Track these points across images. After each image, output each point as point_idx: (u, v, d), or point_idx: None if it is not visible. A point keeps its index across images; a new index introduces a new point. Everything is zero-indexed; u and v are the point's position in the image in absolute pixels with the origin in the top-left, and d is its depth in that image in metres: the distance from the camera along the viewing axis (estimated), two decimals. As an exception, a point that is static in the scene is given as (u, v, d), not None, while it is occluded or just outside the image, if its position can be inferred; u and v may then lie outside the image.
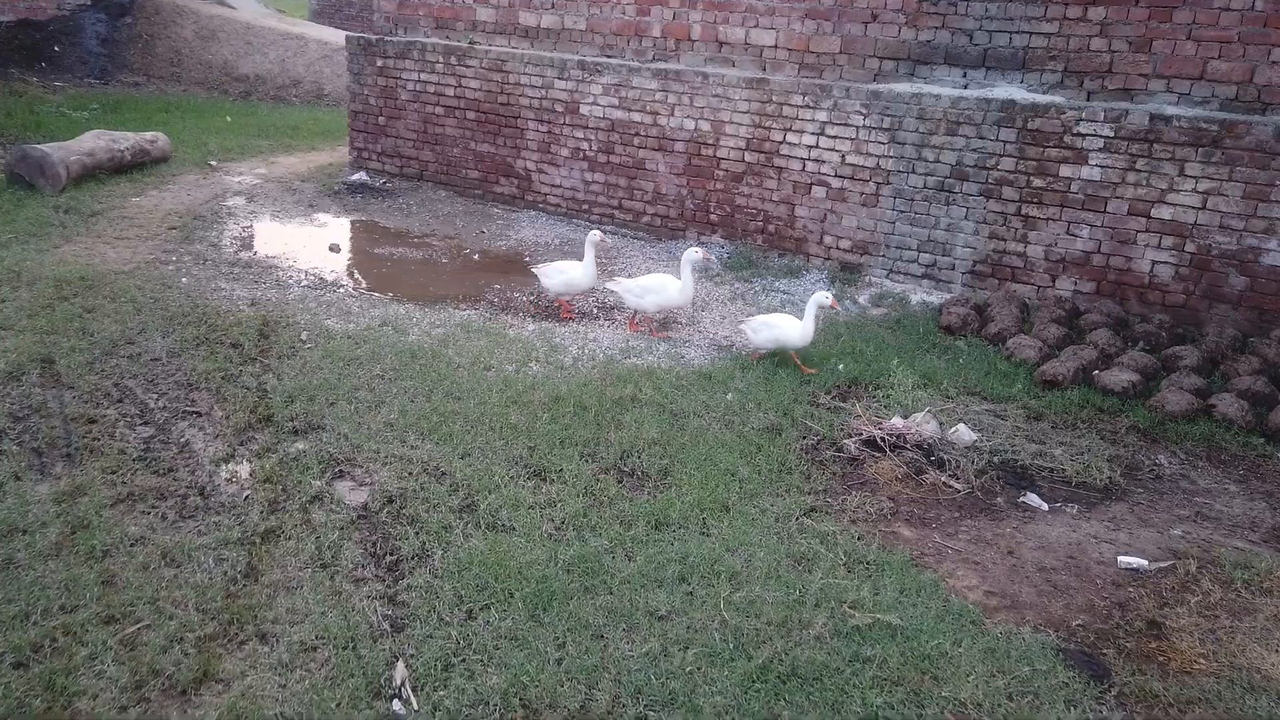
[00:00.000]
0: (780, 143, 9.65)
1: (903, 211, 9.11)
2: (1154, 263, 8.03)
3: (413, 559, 4.50)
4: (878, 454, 5.85)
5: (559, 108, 11.06)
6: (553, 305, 8.29)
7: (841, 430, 6.09)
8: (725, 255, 9.97)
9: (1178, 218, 7.85)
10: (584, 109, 10.87)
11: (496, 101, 11.50)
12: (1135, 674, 3.86)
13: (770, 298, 8.87)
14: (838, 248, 9.56)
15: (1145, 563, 4.70)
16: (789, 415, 6.23)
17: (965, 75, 8.78)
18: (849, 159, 9.29)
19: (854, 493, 5.39)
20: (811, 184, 9.56)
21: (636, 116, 10.51)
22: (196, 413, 5.86)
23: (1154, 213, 7.94)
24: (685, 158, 10.29)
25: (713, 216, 10.27)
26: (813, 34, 9.46)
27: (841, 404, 6.53)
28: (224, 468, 5.23)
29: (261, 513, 4.80)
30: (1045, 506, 5.40)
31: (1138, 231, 8.04)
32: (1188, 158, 7.71)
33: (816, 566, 4.53)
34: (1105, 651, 4.02)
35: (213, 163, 12.51)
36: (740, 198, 10.03)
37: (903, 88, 8.92)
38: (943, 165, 8.81)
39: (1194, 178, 7.71)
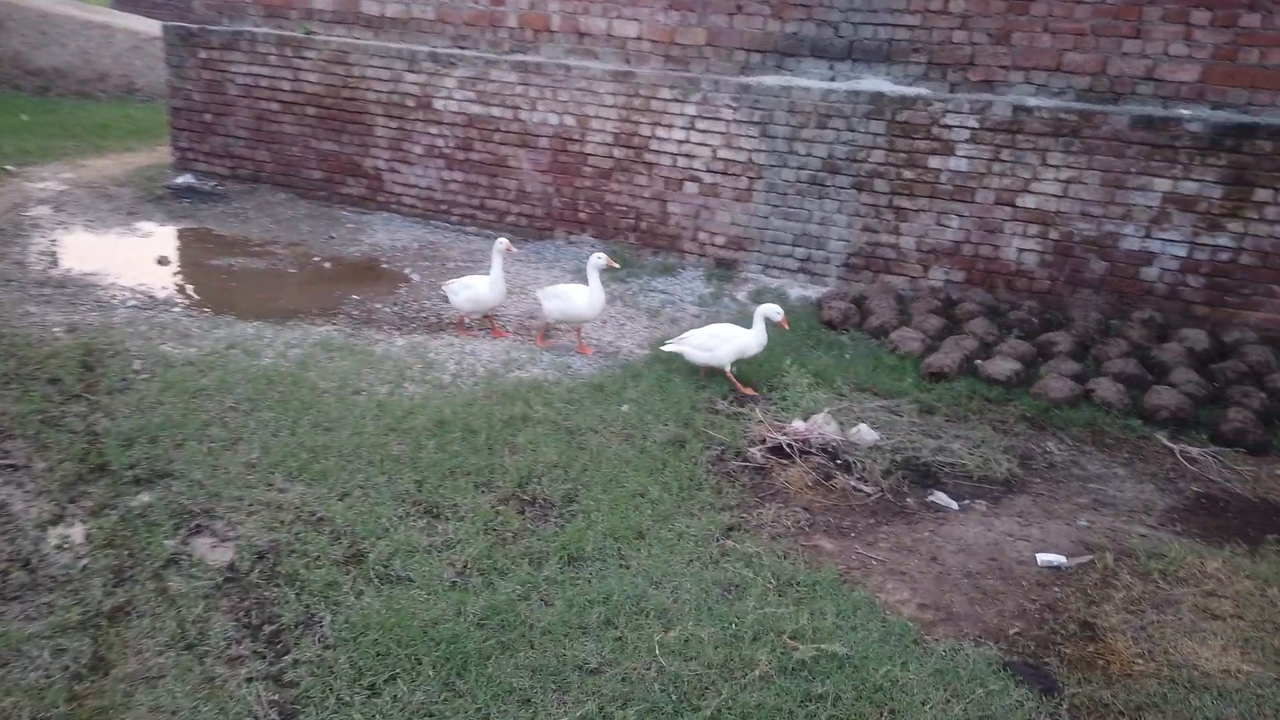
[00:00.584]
0: (650, 138, 9.34)
1: (776, 206, 8.99)
2: (1020, 250, 8.22)
3: (297, 628, 3.90)
4: (784, 461, 5.63)
5: (410, 103, 10.36)
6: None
7: (745, 438, 5.84)
8: (597, 255, 9.58)
9: (1041, 206, 8.04)
10: (438, 104, 10.22)
11: (340, 96, 10.66)
12: (1082, 683, 3.76)
13: (649, 298, 8.56)
14: (712, 244, 9.36)
15: (1064, 559, 4.66)
16: (690, 425, 5.93)
17: (832, 68, 8.72)
18: (720, 153, 9.08)
19: (768, 505, 5.14)
20: (683, 179, 9.31)
21: (496, 111, 9.96)
22: (11, 465, 4.99)
23: (1019, 202, 8.11)
24: (550, 154, 9.83)
25: (582, 215, 9.87)
26: (677, 25, 9.19)
27: (740, 409, 6.29)
28: (53, 532, 4.43)
29: (105, 586, 4.07)
30: (955, 505, 5.32)
31: (1004, 221, 8.20)
32: (1049, 148, 7.90)
33: (748, 593, 4.23)
34: (1048, 661, 3.91)
35: (9, 168, 11.08)
36: (610, 195, 9.67)
37: (772, 80, 8.78)
38: (814, 159, 8.73)
39: (1056, 167, 7.92)
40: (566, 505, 4.95)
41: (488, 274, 7.28)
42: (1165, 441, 6.20)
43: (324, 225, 10.25)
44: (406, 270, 9.04)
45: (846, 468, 5.63)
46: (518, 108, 9.85)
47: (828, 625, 4.02)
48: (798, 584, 4.35)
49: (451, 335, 7.37)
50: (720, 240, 9.31)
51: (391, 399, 5.98)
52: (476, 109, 10.05)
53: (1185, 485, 5.72)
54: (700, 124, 9.09)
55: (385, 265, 9.19)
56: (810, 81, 8.70)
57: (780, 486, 5.39)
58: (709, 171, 9.18)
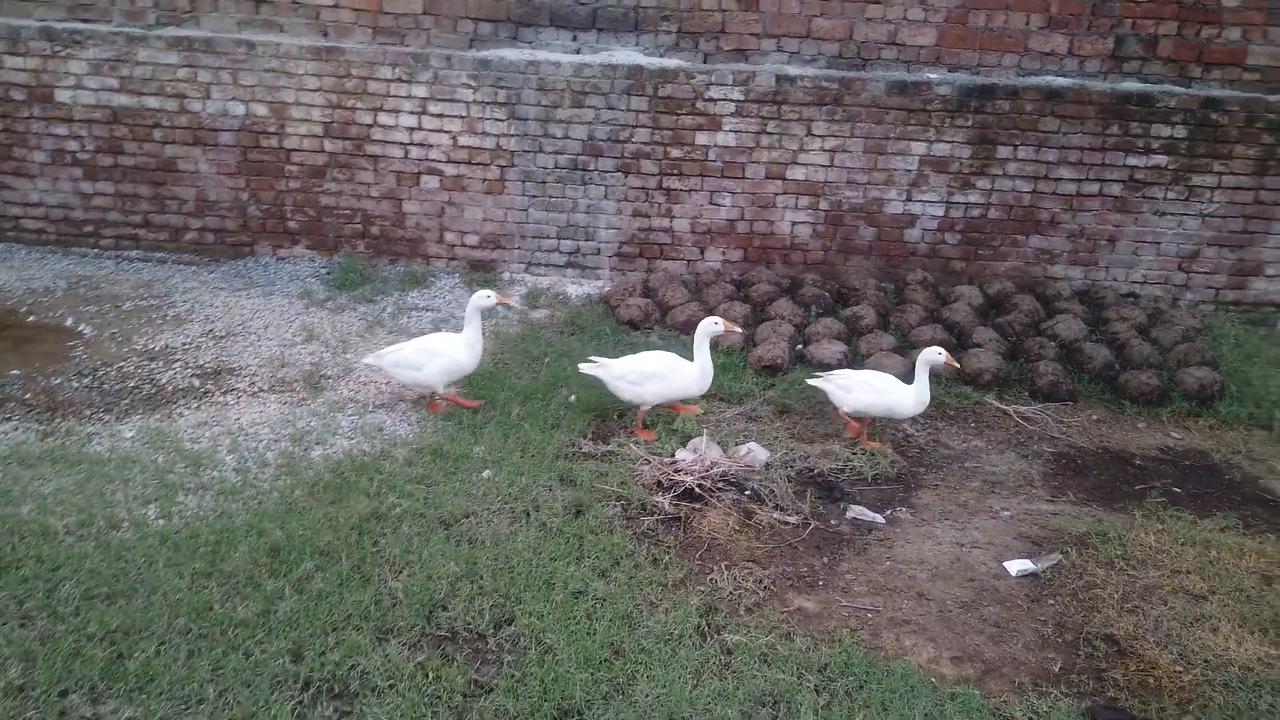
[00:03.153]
0: (371, 126, 7.85)
1: (535, 196, 8.02)
2: (794, 223, 8.09)
3: None
4: (697, 504, 4.89)
5: (18, 95, 7.78)
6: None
7: (640, 484, 5.00)
8: (323, 271, 7.96)
9: (810, 177, 7.95)
10: (62, 95, 7.78)
11: (-96, 89, 7.73)
12: (1160, 712, 3.55)
13: (413, 319, 7.23)
14: (463, 245, 8.16)
15: (1032, 564, 4.49)
16: (575, 482, 4.96)
17: (576, 38, 7.87)
18: (463, 140, 7.88)
19: (717, 568, 4.39)
20: (420, 173, 7.97)
21: (153, 102, 7.79)
22: None
23: (789, 174, 7.94)
24: (238, 151, 7.92)
25: (291, 224, 8.12)
26: (385, -10, 7.73)
27: (606, 446, 5.41)
28: None
29: None
30: (881, 519, 4.97)
31: (776, 194, 8.00)
32: (814, 117, 7.79)
33: (798, 703, 3.48)
34: (1114, 696, 3.66)
35: None
36: (327, 197, 8.03)
37: (515, 55, 7.72)
38: (573, 141, 7.87)
39: (821, 136, 7.84)
40: (502, 633, 3.80)
41: (455, 333, 5.73)
42: (999, 405, 6.37)
43: (-88, 271, 7.43)
44: (68, 321, 6.81)
45: (758, 497, 5.03)
46: (184, 96, 7.78)
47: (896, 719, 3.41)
48: (829, 671, 3.68)
49: (192, 407, 5.58)
50: (473, 240, 8.14)
51: (174, 526, 4.28)
52: (123, 100, 7.79)
53: (1038, 447, 5.89)
54: (434, 107, 7.80)
55: (32, 318, 6.85)
56: (557, 55, 7.78)
57: (708, 537, 4.65)
58: (451, 162, 7.94)
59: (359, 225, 8.10)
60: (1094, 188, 7.92)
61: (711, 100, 7.74)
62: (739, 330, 5.91)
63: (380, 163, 7.93)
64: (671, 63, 7.74)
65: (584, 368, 5.62)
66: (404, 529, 4.37)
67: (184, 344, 6.49)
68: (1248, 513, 5.09)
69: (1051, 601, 4.25)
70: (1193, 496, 5.30)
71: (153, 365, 6.15)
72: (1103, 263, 8.12)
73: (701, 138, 7.84)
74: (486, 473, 4.97)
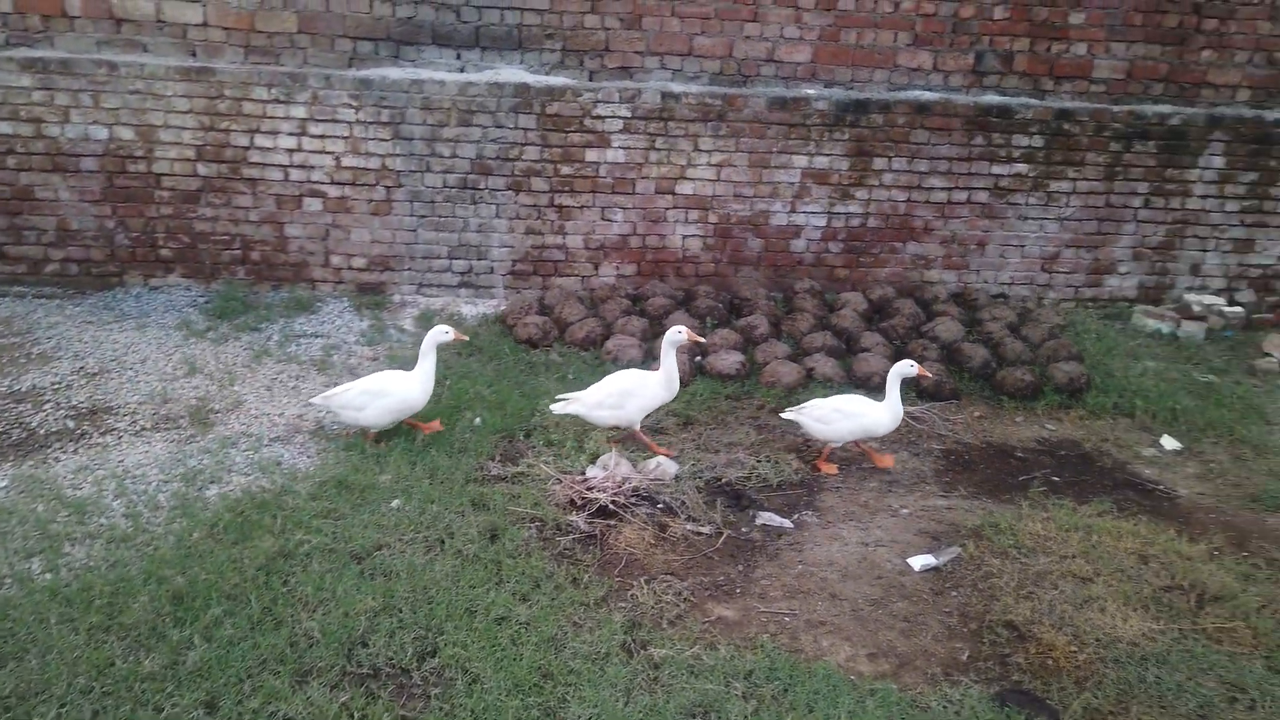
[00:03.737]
0: (248, 148, 7.58)
1: (424, 216, 7.90)
2: (684, 237, 8.24)
3: None
4: (611, 521, 4.92)
5: None
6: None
7: (553, 503, 5.00)
8: (201, 300, 7.63)
9: (699, 191, 8.11)
10: (-100, 119, 7.22)
11: None
12: (1060, 691, 3.78)
13: (303, 346, 7.01)
14: (350, 268, 7.96)
15: (934, 559, 4.70)
16: (487, 506, 4.91)
17: (460, 57, 7.81)
18: (346, 161, 7.69)
19: (636, 583, 4.42)
20: (302, 195, 7.74)
21: (4, 127, 7.32)
22: None
23: (678, 189, 8.09)
24: (103, 178, 7.52)
25: (164, 251, 7.75)
26: (257, 9, 7.49)
27: (516, 467, 5.38)
28: None
29: None
30: (789, 524, 5.11)
31: (666, 209, 8.13)
32: (700, 133, 7.95)
33: (726, 710, 3.55)
34: (1019, 679, 3.87)
35: None
36: (202, 223, 7.71)
37: (398, 74, 7.60)
38: (462, 160, 7.80)
39: (707, 151, 8.01)
40: (427, 665, 3.73)
41: (404, 371, 5.53)
42: (889, 405, 6.63)
43: None
44: (-81, 364, 6.31)
45: (670, 510, 5.10)
46: (40, 120, 7.34)
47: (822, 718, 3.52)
48: (755, 677, 3.76)
49: (69, 451, 5.26)
50: (360, 262, 7.96)
51: (63, 580, 4.02)
52: (-29, 124, 7.28)
53: (928, 445, 6.17)
54: (314, 128, 7.59)
55: (-124, 362, 6.32)
56: (441, 74, 7.70)
57: (625, 553, 4.69)
58: (334, 184, 7.74)
59: (238, 251, 7.80)
60: (963, 195, 8.36)
61: (599, 117, 7.81)
62: (702, 340, 6.04)
63: (259, 186, 7.66)
64: (558, 81, 7.77)
65: (556, 408, 5.54)
66: (314, 566, 4.23)
67: (53, 383, 6.10)
68: (1120, 497, 5.47)
69: (954, 593, 4.46)
70: (1070, 484, 5.66)
71: (20, 408, 5.76)
72: (974, 266, 8.57)
73: (591, 154, 7.89)
74: (396, 502, 4.86)
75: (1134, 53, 8.30)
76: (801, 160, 8.10)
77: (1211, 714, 3.66)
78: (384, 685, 3.62)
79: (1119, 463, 5.99)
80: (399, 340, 7.27)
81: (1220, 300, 8.46)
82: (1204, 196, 8.58)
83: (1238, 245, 8.77)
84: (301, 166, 7.66)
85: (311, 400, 5.63)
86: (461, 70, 7.78)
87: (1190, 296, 8.50)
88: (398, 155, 7.70)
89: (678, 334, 5.51)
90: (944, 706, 3.66)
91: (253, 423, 5.80)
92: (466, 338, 6.02)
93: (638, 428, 5.60)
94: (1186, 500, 5.50)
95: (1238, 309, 8.39)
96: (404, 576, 4.22)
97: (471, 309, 7.88)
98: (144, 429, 5.61)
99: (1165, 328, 8.16)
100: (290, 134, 7.57)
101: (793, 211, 8.24)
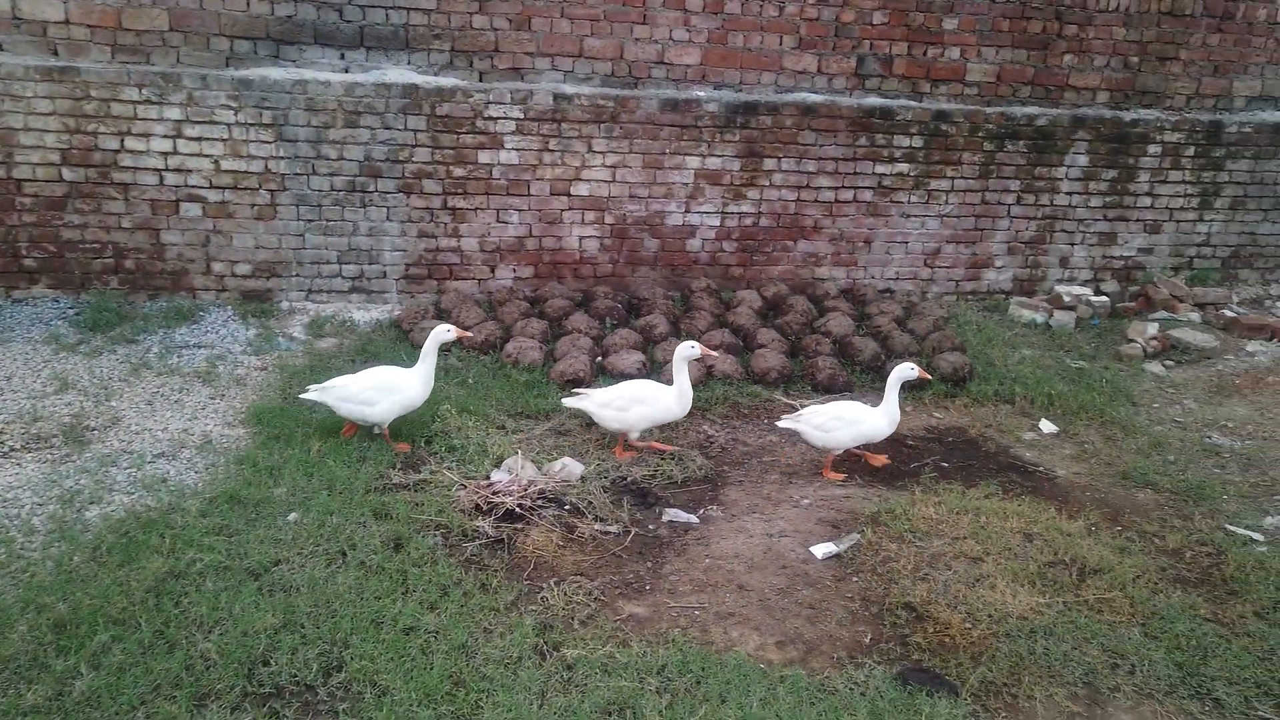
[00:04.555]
0: (118, 151, 7.22)
1: (311, 220, 7.67)
2: (581, 238, 8.24)
3: None
4: (518, 524, 4.88)
5: None
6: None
7: (458, 509, 4.92)
8: (71, 311, 7.21)
9: (594, 192, 8.13)
10: None
11: None
12: (958, 667, 3.93)
13: (185, 357, 6.73)
14: (234, 275, 7.66)
15: (835, 546, 4.82)
16: (389, 515, 4.80)
17: (344, 57, 7.62)
18: (226, 165, 7.40)
19: (546, 586, 4.40)
20: (179, 200, 7.41)
21: None
22: None
23: (573, 190, 8.08)
24: (-43, 184, 7.03)
25: (27, 261, 7.30)
26: (124, 6, 7.14)
27: (418, 475, 5.28)
28: None
29: None
30: (695, 519, 5.17)
31: (562, 210, 8.12)
32: (593, 134, 7.97)
33: (641, 708, 3.56)
34: (917, 658, 4.01)
35: None
36: (69, 230, 7.29)
37: (279, 74, 7.36)
38: (350, 162, 7.61)
39: (602, 153, 8.03)
40: (333, 681, 3.62)
41: (401, 368, 5.62)
42: (786, 400, 6.80)
43: None
44: None
45: (577, 511, 5.10)
46: (-118, 121, 6.81)
47: (742, 709, 3.58)
48: (668, 672, 3.79)
49: (-67, 479, 4.90)
50: (244, 269, 7.66)
51: (-73, 615, 3.74)
52: None
53: (825, 436, 6.33)
54: (190, 130, 7.28)
55: None
56: (326, 74, 7.49)
57: (534, 556, 4.66)
58: (214, 188, 7.44)
59: (110, 260, 7.40)
60: (849, 195, 8.62)
61: (491, 119, 7.74)
62: (715, 354, 6.11)
63: (131, 191, 7.30)
64: (448, 81, 7.66)
65: (568, 402, 5.70)
66: (209, 585, 4.05)
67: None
68: (1005, 479, 5.74)
69: (855, 579, 4.60)
70: (959, 469, 5.91)
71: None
72: (861, 262, 8.86)
73: (484, 156, 7.81)
74: (293, 515, 4.70)
75: (1003, 57, 8.73)
76: (694, 161, 8.21)
77: (1096, 680, 3.88)
78: (288, 704, 3.49)
79: (1002, 447, 6.28)
80: (288, 348, 7.04)
81: (1088, 291, 8.98)
82: (1070, 193, 9.08)
83: (1101, 239, 9.32)
84: (178, 170, 7.33)
85: (304, 394, 5.49)
86: (346, 70, 7.59)
87: (1060, 288, 8.99)
88: (281, 158, 7.46)
89: (690, 349, 5.59)
90: (850, 688, 3.77)
91: (134, 439, 5.52)
92: (470, 334, 6.16)
93: (635, 436, 5.67)
94: (1064, 480, 5.81)
95: (1103, 298, 8.92)
96: (305, 591, 4.08)
97: (364, 315, 7.70)
98: (13, 450, 5.26)
99: (1039, 318, 8.60)
100: (164, 136, 7.23)
101: (687, 212, 8.34)
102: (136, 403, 5.97)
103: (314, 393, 5.42)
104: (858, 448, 5.88)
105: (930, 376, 6.24)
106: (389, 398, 5.38)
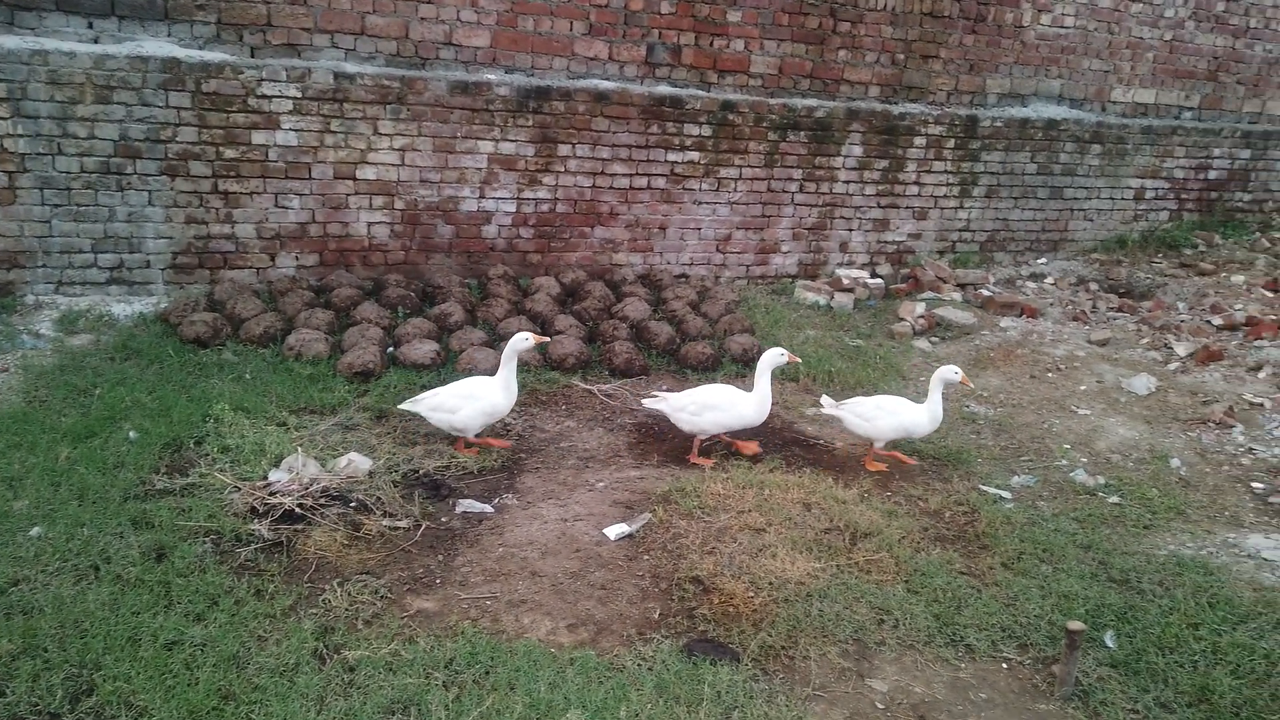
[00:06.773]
0: None
1: (59, 205, 6.97)
2: (370, 224, 7.93)
3: None
4: (297, 525, 4.64)
5: None
6: None
7: (232, 513, 4.62)
8: None
9: (382, 176, 7.84)
10: None
11: None
12: (740, 635, 4.08)
13: (-94, 360, 5.94)
14: (-33, 266, 6.85)
15: (627, 526, 4.88)
16: (153, 524, 4.44)
17: (93, 26, 6.96)
18: (-48, 142, 6.59)
19: (328, 587, 4.21)
20: (-106, 182, 6.53)
21: None
22: None
23: (359, 174, 7.76)
24: None
25: None
26: None
27: (185, 479, 4.92)
28: None
29: None
30: (490, 509, 5.10)
31: (348, 195, 7.78)
32: (379, 116, 7.68)
33: (427, 704, 3.46)
34: (703, 629, 4.13)
35: None
36: None
37: (15, 42, 6.63)
38: (103, 142, 6.96)
39: (389, 135, 7.75)
40: (82, 706, 3.30)
41: (488, 377, 5.67)
42: (584, 385, 6.83)
43: None
44: None
45: (365, 508, 4.91)
46: None
47: (530, 694, 3.56)
48: (456, 665, 3.71)
49: None
50: (-20, 260, 6.87)
51: None
52: None
53: (621, 421, 6.43)
54: (-94, 102, 6.43)
55: None
56: (70, 44, 6.81)
57: (316, 557, 4.44)
58: (-62, 168, 6.61)
59: None
60: (643, 181, 8.76)
61: (265, 97, 7.29)
62: (798, 359, 5.97)
63: None
64: (214, 56, 7.15)
65: (647, 403, 5.78)
66: (-67, 615, 3.60)
67: None
68: (788, 453, 6.01)
69: (646, 557, 4.68)
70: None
71: None
72: (657, 249, 9.02)
73: (259, 137, 7.35)
74: (36, 530, 4.25)
75: (784, 50, 9.12)
76: (488, 146, 8.07)
77: (864, 635, 4.13)
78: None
79: (787, 422, 6.58)
80: (34, 346, 6.37)
81: (864, 274, 9.56)
82: (847, 182, 9.63)
83: (876, 225, 9.94)
84: (-109, 147, 6.46)
85: (401, 405, 5.60)
86: (96, 41, 6.93)
87: (840, 271, 9.53)
88: (20, 136, 6.72)
89: (779, 355, 5.54)
90: (638, 664, 3.82)
91: None
92: (548, 339, 5.94)
93: (704, 437, 5.72)
94: (842, 451, 6.16)
95: (879, 281, 9.52)
96: (49, 612, 3.70)
97: (125, 308, 7.08)
98: None
99: (821, 300, 9.08)
100: (-128, 108, 6.35)
101: (482, 197, 8.20)
102: None
103: (409, 404, 5.54)
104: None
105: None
106: (471, 404, 5.45)
